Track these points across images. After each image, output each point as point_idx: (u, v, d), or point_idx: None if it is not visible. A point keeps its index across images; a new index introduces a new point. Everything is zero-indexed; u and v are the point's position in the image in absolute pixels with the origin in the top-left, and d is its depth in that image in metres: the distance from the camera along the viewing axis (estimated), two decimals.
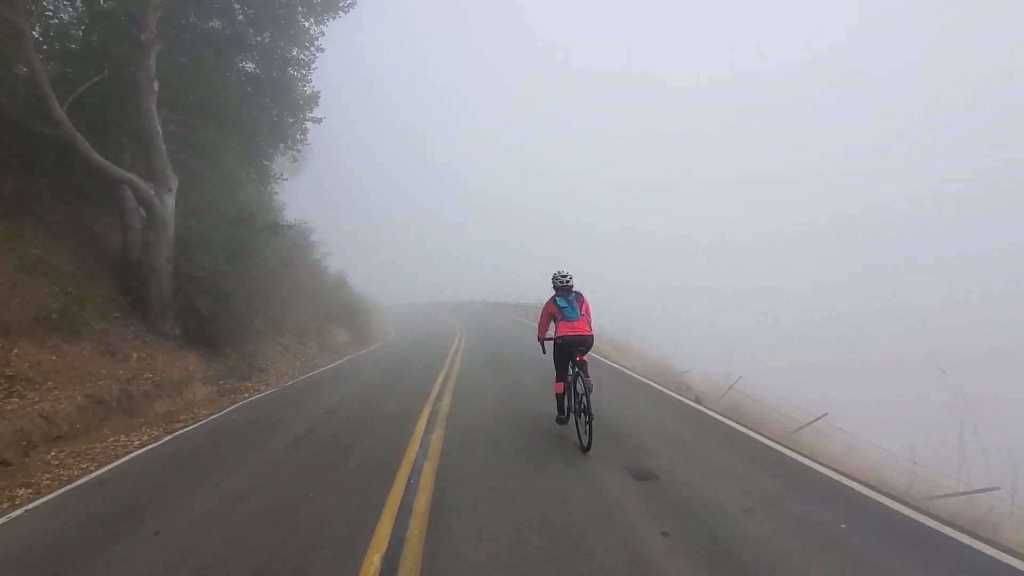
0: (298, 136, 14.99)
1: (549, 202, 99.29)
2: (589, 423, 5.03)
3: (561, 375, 5.70)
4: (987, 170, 65.34)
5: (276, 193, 16.02)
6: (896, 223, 65.12)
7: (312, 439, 6.04)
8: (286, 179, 15.33)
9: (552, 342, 5.76)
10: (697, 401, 9.17)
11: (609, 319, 21.13)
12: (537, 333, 5.98)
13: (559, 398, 5.76)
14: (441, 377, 10.04)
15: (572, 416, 5.59)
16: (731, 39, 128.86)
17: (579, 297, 5.68)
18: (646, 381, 10.16)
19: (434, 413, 6.87)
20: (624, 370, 11.79)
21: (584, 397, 5.11)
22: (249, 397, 9.48)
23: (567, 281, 5.69)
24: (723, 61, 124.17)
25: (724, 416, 7.38)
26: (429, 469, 4.64)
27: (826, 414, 11.85)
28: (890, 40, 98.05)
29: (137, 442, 6.82)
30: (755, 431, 6.38)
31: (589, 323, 5.65)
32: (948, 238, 59.12)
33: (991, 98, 73.29)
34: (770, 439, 5.92)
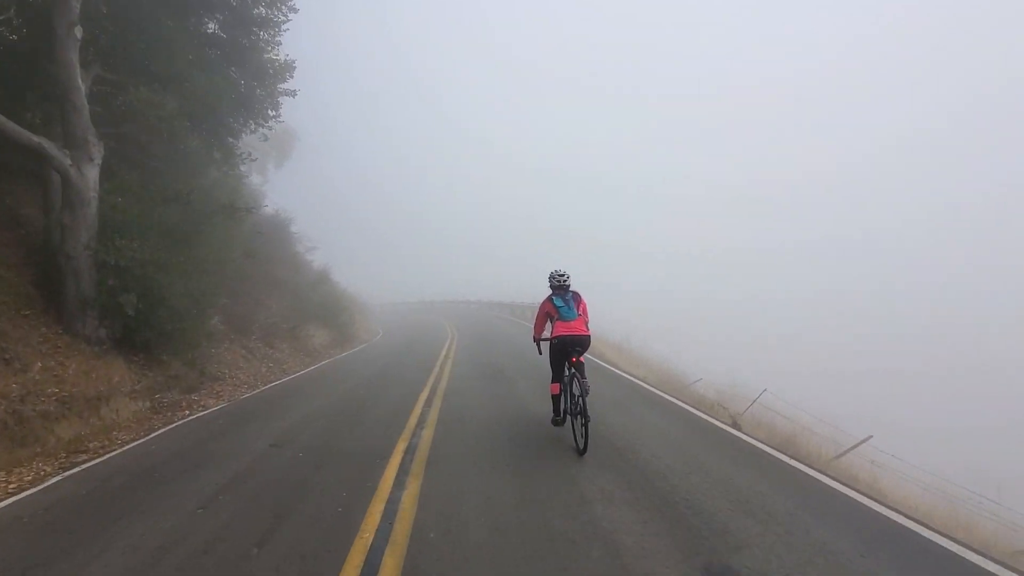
0: (270, 111, 13.21)
1: (547, 206, 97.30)
2: (585, 425, 4.95)
3: (557, 376, 5.60)
4: (994, 177, 64.68)
5: (246, 176, 14.20)
6: (904, 232, 64.41)
7: (237, 492, 4.32)
8: (255, 159, 13.53)
9: (548, 342, 5.60)
10: (735, 426, 7.56)
11: (609, 323, 19.68)
12: (533, 333, 5.91)
13: (555, 399, 5.69)
14: (426, 392, 8.34)
15: (568, 418, 5.47)
16: (736, 47, 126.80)
17: (576, 296, 5.57)
18: (668, 398, 8.53)
19: (411, 451, 5.16)
20: (637, 382, 10.17)
21: (580, 399, 4.99)
22: (190, 415, 7.74)
23: (564, 280, 5.58)
24: (728, 69, 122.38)
25: (779, 450, 5.76)
26: (390, 569, 2.95)
27: (871, 436, 10.34)
28: (899, 48, 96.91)
29: (14, 484, 5.09)
30: (838, 480, 4.75)
31: (586, 323, 5.52)
32: (955, 247, 58.35)
33: (1002, 105, 72.52)
34: (870, 498, 4.28)
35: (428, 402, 7.56)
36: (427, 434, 5.74)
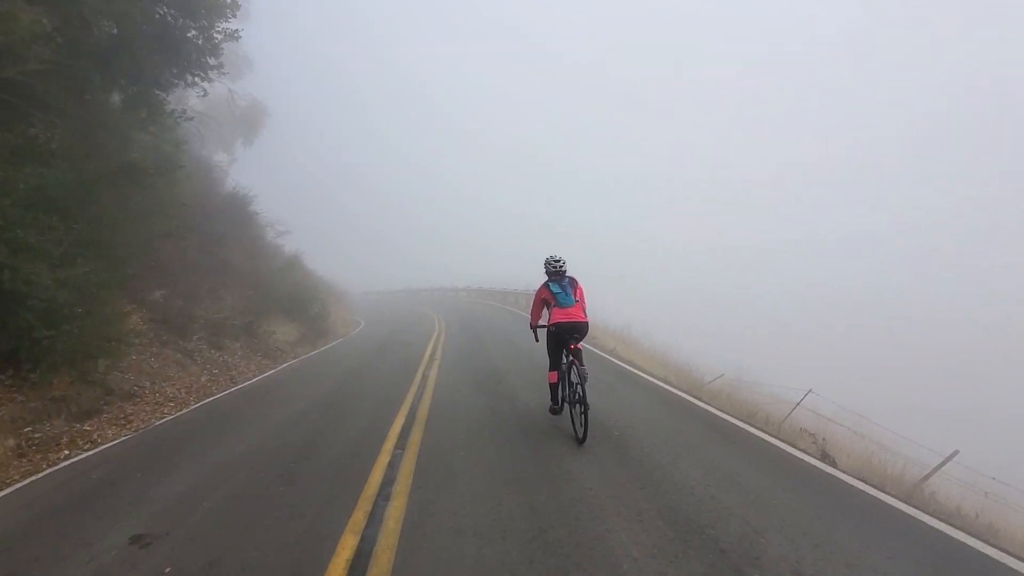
0: (209, 59, 10.73)
1: (540, 202, 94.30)
2: (584, 413, 4.88)
3: (554, 364, 5.53)
4: (991, 168, 63.75)
5: (186, 143, 11.70)
6: (897, 225, 63.55)
7: None
8: (192, 118, 11.06)
9: (545, 329, 5.55)
10: (825, 458, 5.52)
11: (607, 316, 17.84)
12: (529, 320, 5.88)
13: (553, 388, 5.62)
14: (401, 418, 6.13)
15: (567, 406, 5.41)
16: (722, 46, 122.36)
17: (573, 282, 5.50)
18: (722, 416, 6.44)
19: (360, 566, 2.96)
20: (667, 388, 8.10)
21: (579, 386, 4.92)
22: (67, 458, 5.50)
23: (560, 266, 5.48)
24: (717, 65, 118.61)
25: (916, 508, 3.71)
26: None
27: (957, 452, 8.41)
28: (893, 40, 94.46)
29: None
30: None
31: (584, 309, 5.42)
32: (950, 241, 57.52)
33: (998, 95, 71.15)
34: None
35: (403, 437, 5.35)
36: (393, 515, 3.52)
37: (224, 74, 11.32)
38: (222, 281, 13.29)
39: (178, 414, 7.29)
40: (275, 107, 33.16)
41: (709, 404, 7.31)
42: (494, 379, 8.45)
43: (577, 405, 5.02)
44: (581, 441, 4.87)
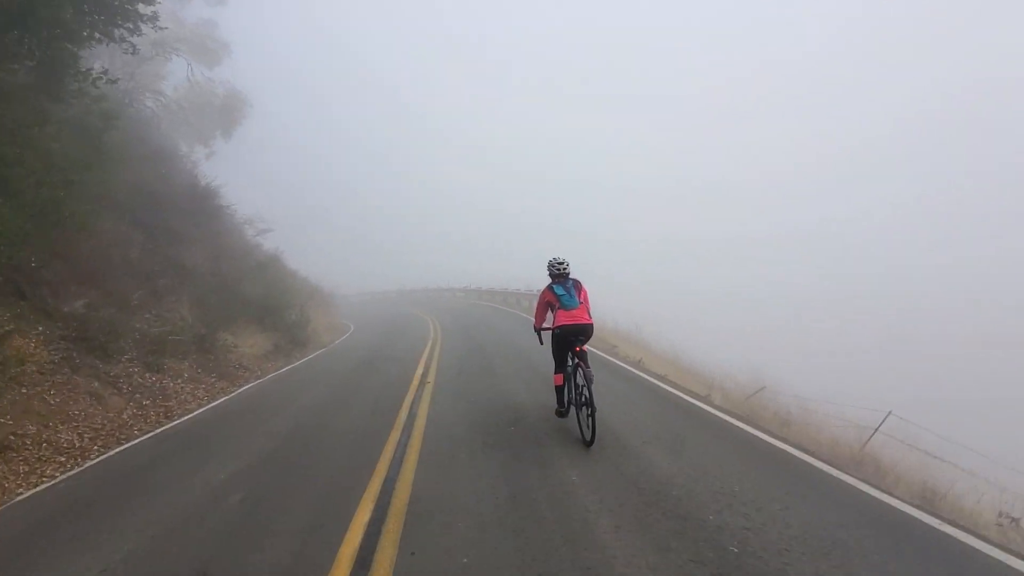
0: (137, 7, 8.55)
1: (525, 198, 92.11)
2: (591, 416, 4.80)
3: (560, 367, 5.52)
4: (987, 164, 62.51)
5: (117, 117, 9.45)
6: (881, 226, 62.54)
7: None
8: (117, 80, 8.87)
9: (550, 332, 5.52)
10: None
11: (614, 317, 16.00)
12: (534, 323, 5.89)
13: (559, 390, 5.61)
14: (368, 507, 3.95)
15: (573, 409, 5.37)
16: (714, 40, 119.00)
17: (577, 284, 5.48)
18: (842, 477, 4.35)
19: None
20: (743, 426, 6.00)
21: (585, 388, 4.92)
22: None
23: (564, 268, 5.49)
24: (704, 61, 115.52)
25: None
26: None
27: None
28: (883, 39, 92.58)
29: None
30: None
31: (588, 311, 5.42)
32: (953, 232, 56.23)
33: (988, 97, 69.73)
34: None
35: (363, 559, 3.18)
36: None
37: (162, 28, 9.10)
38: (171, 285, 11.08)
39: (60, 478, 5.14)
40: (261, 104, 30.99)
41: (814, 457, 5.21)
42: (508, 416, 6.24)
43: (584, 408, 4.96)
44: (589, 444, 4.82)
